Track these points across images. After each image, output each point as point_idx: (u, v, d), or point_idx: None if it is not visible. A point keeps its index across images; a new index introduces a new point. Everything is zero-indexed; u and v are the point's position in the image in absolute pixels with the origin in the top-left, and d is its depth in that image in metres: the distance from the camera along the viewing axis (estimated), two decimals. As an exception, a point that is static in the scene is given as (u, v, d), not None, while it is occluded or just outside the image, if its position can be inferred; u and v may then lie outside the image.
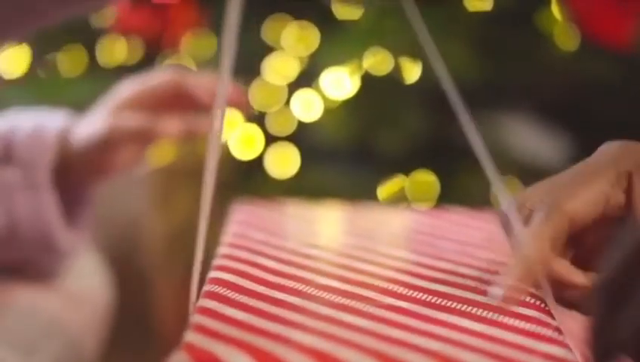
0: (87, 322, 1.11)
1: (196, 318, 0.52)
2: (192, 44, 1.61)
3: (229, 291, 0.57)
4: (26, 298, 1.05)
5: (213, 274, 0.60)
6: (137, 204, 1.52)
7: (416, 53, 1.47)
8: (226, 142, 1.55)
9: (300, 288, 0.58)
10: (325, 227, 0.77)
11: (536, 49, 1.54)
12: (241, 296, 0.56)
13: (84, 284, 1.17)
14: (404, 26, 1.50)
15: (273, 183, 1.54)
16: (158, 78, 0.97)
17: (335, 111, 1.52)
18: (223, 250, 0.66)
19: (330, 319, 0.53)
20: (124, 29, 1.64)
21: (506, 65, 1.51)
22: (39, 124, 0.94)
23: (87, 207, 1.01)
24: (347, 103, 1.52)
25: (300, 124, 1.55)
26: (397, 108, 1.51)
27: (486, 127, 1.52)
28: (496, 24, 1.53)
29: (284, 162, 1.55)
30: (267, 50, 1.57)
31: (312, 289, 0.58)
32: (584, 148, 0.85)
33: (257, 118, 1.56)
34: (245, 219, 0.75)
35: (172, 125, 0.93)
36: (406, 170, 1.51)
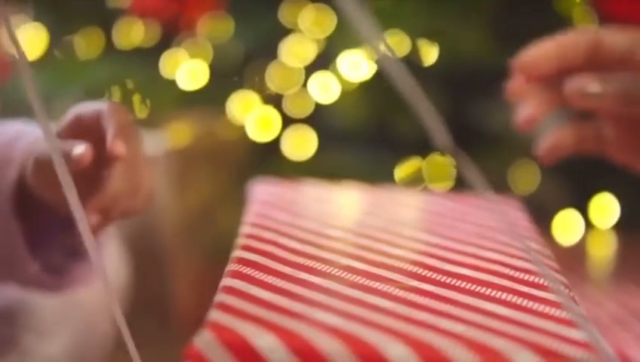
0: (103, 302, 1.12)
1: (221, 297, 0.52)
2: (209, 27, 1.61)
3: (253, 271, 0.56)
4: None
5: (237, 253, 0.60)
6: (154, 185, 1.52)
7: (433, 36, 1.47)
8: (243, 124, 1.55)
9: (324, 269, 0.58)
10: (346, 208, 0.77)
11: (554, 31, 1.53)
12: (265, 276, 0.56)
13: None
14: (421, 8, 1.50)
15: (290, 165, 1.53)
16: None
17: (352, 94, 1.52)
18: (246, 229, 0.66)
19: (355, 300, 0.53)
20: (141, 11, 1.64)
21: (523, 46, 1.50)
22: (12, 136, 0.81)
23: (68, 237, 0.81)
24: (364, 85, 1.52)
25: (317, 107, 1.55)
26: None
27: (502, 109, 1.52)
28: (514, 6, 1.52)
29: (301, 144, 1.55)
30: (284, 32, 1.56)
31: (336, 270, 0.58)
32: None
33: (274, 100, 1.56)
34: (267, 199, 0.75)
35: None
36: (423, 152, 1.51)
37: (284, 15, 1.57)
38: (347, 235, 0.66)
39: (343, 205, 0.78)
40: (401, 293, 0.55)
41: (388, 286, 0.56)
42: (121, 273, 1.22)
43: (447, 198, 0.81)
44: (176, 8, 1.63)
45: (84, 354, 1.07)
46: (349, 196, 0.81)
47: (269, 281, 0.55)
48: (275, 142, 1.56)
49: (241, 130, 1.55)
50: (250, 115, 1.55)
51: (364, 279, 0.56)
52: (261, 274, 0.56)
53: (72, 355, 1.04)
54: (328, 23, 1.55)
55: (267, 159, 1.56)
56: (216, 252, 1.38)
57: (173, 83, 1.57)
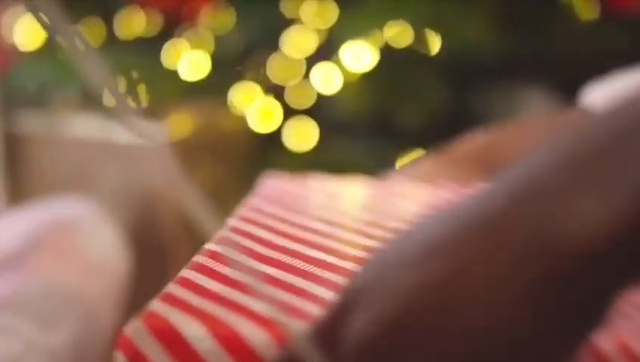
0: (105, 293, 1.12)
1: (169, 287, 0.52)
2: (210, 18, 1.61)
3: (214, 263, 0.56)
4: (46, 270, 1.06)
5: (208, 245, 0.60)
6: (155, 176, 1.52)
7: (436, 26, 1.47)
8: (244, 115, 1.55)
9: (287, 260, 0.56)
10: (347, 203, 0.76)
11: (555, 20, 1.53)
12: (223, 268, 0.55)
13: (103, 255, 1.17)
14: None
15: (292, 156, 1.53)
16: None
17: (354, 85, 1.52)
18: (231, 222, 0.65)
19: (300, 291, 0.52)
20: (143, 2, 1.64)
21: (526, 36, 1.50)
22: None
23: None
24: (366, 76, 1.51)
25: (320, 97, 1.55)
26: (416, 81, 1.51)
27: (505, 98, 1.52)
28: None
29: (302, 135, 1.55)
30: (286, 23, 1.56)
31: (298, 261, 0.56)
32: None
33: (276, 91, 1.56)
34: (268, 193, 0.74)
35: None
36: (425, 143, 1.50)
37: (285, 6, 1.57)
38: (331, 229, 0.65)
39: (345, 200, 0.77)
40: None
41: (342, 278, 0.55)
42: (122, 262, 1.22)
43: (450, 191, 0.80)
44: (178, -1, 1.63)
45: (86, 345, 1.07)
46: (355, 191, 0.80)
47: (224, 273, 0.54)
48: (277, 133, 1.56)
49: (243, 120, 1.55)
50: (252, 106, 1.55)
51: (322, 270, 0.55)
52: (220, 266, 0.55)
53: (75, 346, 1.04)
54: (330, 13, 1.55)
55: (268, 150, 1.55)
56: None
57: (174, 74, 1.57)
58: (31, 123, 1.69)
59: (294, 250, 0.59)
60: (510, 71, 1.52)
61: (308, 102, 1.55)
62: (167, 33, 1.61)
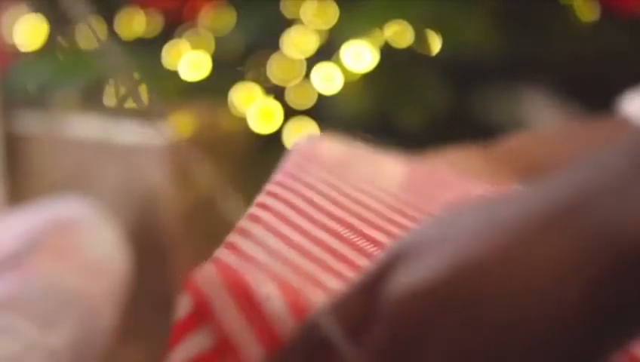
0: (105, 293, 1.12)
1: (233, 237, 0.51)
2: (211, 18, 1.61)
3: (272, 217, 0.55)
4: (45, 270, 1.06)
5: (261, 198, 0.59)
6: (156, 176, 1.52)
7: (437, 26, 1.47)
8: (245, 116, 1.55)
9: (346, 234, 0.55)
10: (386, 177, 0.74)
11: (556, 21, 1.53)
12: (284, 227, 0.54)
13: (103, 255, 1.17)
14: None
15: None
16: None
17: (355, 85, 1.52)
18: (278, 176, 0.64)
19: (357, 266, 0.52)
20: (143, 2, 1.64)
21: (526, 37, 1.50)
22: None
23: None
24: (367, 77, 1.51)
25: (320, 98, 1.54)
26: (417, 81, 1.51)
27: (505, 99, 1.52)
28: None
29: (303, 136, 1.55)
30: (286, 23, 1.56)
31: (358, 238, 0.55)
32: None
33: (276, 92, 1.56)
34: (309, 153, 0.72)
35: None
36: (426, 144, 1.50)
37: (286, 6, 1.57)
38: (378, 205, 0.63)
39: (384, 174, 0.74)
40: None
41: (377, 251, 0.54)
42: (122, 262, 1.22)
43: (487, 187, 0.78)
44: (178, -1, 1.62)
45: (86, 345, 1.07)
46: (394, 167, 0.77)
47: (286, 233, 0.53)
48: (277, 134, 1.55)
49: (243, 121, 1.55)
50: (252, 107, 1.55)
51: (372, 247, 0.55)
52: (279, 223, 0.55)
53: (75, 346, 1.04)
54: (330, 14, 1.54)
55: (269, 150, 1.55)
56: (218, 243, 1.37)
57: (175, 74, 1.57)
58: (31, 123, 1.69)
59: (351, 223, 0.58)
60: (511, 71, 1.52)
61: (308, 102, 1.55)
62: (167, 33, 1.61)
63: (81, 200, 1.29)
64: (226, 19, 1.60)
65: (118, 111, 1.54)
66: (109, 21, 1.65)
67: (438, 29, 1.47)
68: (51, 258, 1.06)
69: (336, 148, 0.75)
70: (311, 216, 0.57)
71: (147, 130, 1.51)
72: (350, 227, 0.57)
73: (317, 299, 0.46)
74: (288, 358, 0.44)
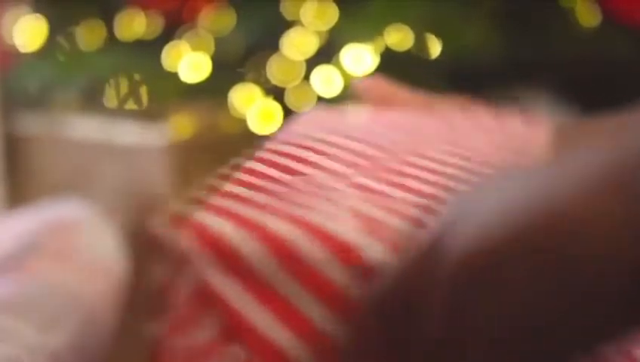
0: (105, 294, 1.12)
1: (211, 199, 0.51)
2: (211, 19, 1.61)
3: (253, 178, 0.54)
4: (45, 272, 1.06)
5: (247, 163, 0.58)
6: (156, 177, 1.52)
7: (436, 29, 1.47)
8: (245, 117, 1.55)
9: (331, 182, 0.53)
10: (396, 130, 0.70)
11: (556, 25, 1.53)
12: (264, 182, 0.53)
13: (103, 257, 1.17)
14: (425, 2, 1.50)
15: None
16: None
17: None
18: (270, 143, 0.64)
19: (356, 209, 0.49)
20: (143, 3, 1.64)
21: (526, 40, 1.50)
22: None
23: None
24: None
25: (320, 100, 1.54)
26: (417, 85, 1.51)
27: (505, 103, 1.52)
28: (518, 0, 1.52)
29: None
30: (286, 25, 1.56)
31: (345, 185, 0.53)
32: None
33: (276, 93, 1.56)
34: (309, 120, 0.71)
35: None
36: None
37: (286, 7, 1.57)
38: (381, 154, 0.59)
39: (394, 127, 0.71)
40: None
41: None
42: (120, 263, 1.22)
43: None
44: (179, 0, 1.62)
45: (86, 346, 1.07)
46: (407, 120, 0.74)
47: (265, 186, 0.52)
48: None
49: (243, 122, 1.55)
50: (252, 108, 1.55)
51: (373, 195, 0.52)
52: (260, 180, 0.54)
53: (75, 348, 1.04)
54: (330, 15, 1.55)
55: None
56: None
57: (175, 75, 1.57)
58: (31, 123, 1.69)
59: (337, 171, 0.56)
60: (511, 75, 1.52)
61: (308, 104, 1.55)
62: (167, 35, 1.61)
63: (81, 201, 1.29)
64: (226, 20, 1.60)
65: (119, 112, 1.54)
66: (109, 22, 1.65)
67: (438, 33, 1.47)
68: (51, 259, 1.06)
69: (341, 116, 0.72)
70: (294, 169, 0.56)
71: (147, 131, 1.51)
72: (336, 174, 0.55)
73: (278, 227, 0.46)
74: (367, 324, 0.43)
